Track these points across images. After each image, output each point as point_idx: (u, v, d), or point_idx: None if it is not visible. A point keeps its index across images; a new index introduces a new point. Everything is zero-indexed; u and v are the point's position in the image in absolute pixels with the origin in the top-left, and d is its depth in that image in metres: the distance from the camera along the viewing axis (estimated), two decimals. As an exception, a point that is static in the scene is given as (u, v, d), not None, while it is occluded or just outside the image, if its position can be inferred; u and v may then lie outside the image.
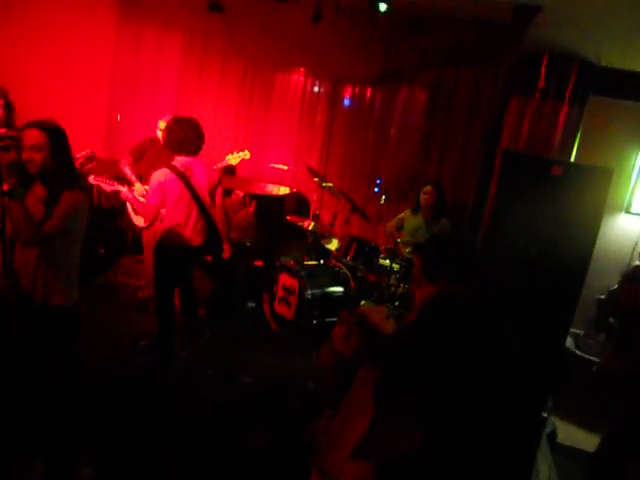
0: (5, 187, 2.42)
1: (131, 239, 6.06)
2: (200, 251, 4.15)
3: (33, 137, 2.51)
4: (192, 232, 3.97)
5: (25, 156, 2.51)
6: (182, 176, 3.86)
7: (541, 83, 4.78)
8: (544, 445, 3.37)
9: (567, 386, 4.04)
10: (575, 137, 4.99)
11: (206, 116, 6.68)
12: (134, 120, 6.54)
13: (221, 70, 6.69)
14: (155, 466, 3.00)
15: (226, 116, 6.74)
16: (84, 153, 4.09)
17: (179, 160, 3.92)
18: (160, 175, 3.84)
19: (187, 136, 3.87)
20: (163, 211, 3.95)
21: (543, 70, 4.91)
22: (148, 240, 5.06)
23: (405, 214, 5.08)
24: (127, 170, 4.90)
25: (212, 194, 4.09)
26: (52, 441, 2.84)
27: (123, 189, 3.91)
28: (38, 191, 2.61)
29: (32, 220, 2.49)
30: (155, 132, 4.87)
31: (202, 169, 4.00)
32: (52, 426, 2.84)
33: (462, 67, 5.56)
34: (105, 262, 5.77)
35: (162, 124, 4.78)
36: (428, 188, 4.83)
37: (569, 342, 4.81)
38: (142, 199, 4.21)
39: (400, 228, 5.11)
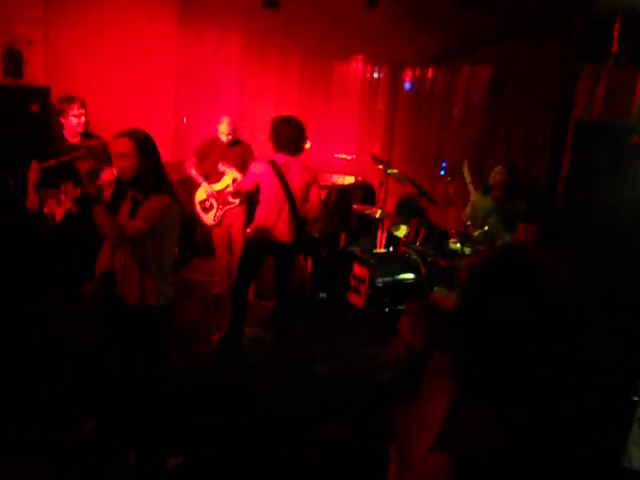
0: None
1: (200, 238, 6.25)
2: (289, 248, 4.21)
3: (121, 146, 2.63)
4: (282, 228, 4.08)
5: (116, 164, 2.64)
6: (278, 172, 3.98)
7: (614, 48, 4.47)
8: (635, 430, 3.19)
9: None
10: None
11: (268, 111, 6.75)
12: (199, 121, 6.70)
13: (280, 65, 6.75)
14: (234, 456, 3.09)
15: (288, 109, 6.75)
16: None
17: (279, 157, 4.03)
18: (258, 166, 4.05)
19: (289, 135, 3.99)
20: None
21: (616, 34, 4.59)
22: (219, 237, 5.20)
23: (474, 197, 4.91)
24: (193, 171, 5.03)
25: (306, 192, 4.16)
26: (144, 432, 2.99)
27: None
28: (129, 197, 2.74)
29: (116, 224, 2.61)
30: (216, 132, 4.96)
31: (299, 168, 4.09)
32: (144, 418, 2.99)
33: (525, 41, 5.31)
34: (180, 261, 5.97)
35: (223, 124, 4.88)
36: (499, 168, 4.64)
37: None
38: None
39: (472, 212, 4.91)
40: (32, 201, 4.08)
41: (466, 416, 1.76)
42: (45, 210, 4.08)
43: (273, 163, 4.00)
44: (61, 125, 4.14)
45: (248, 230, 5.21)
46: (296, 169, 4.06)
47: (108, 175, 2.90)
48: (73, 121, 4.11)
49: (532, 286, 1.77)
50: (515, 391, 1.73)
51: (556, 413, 1.83)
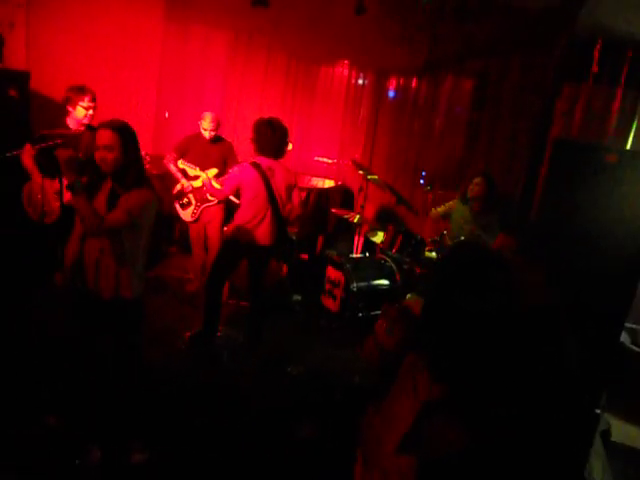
0: (65, 182, 2.55)
1: (178, 233, 6.22)
2: (267, 251, 4.21)
3: (105, 137, 2.61)
4: (263, 232, 4.07)
5: (98, 155, 2.61)
6: (264, 176, 3.95)
7: (595, 68, 4.59)
8: (597, 443, 3.27)
9: (621, 383, 3.89)
10: (631, 124, 4.78)
11: (251, 111, 6.77)
12: (181, 117, 6.67)
13: (266, 65, 6.75)
14: (202, 454, 3.07)
15: (271, 110, 6.78)
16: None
17: (263, 160, 4.00)
18: (243, 170, 3.97)
19: (273, 139, 3.97)
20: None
21: (596, 55, 4.71)
22: (195, 234, 5.17)
23: (453, 203, 4.98)
24: (172, 167, 5.00)
25: (288, 195, 4.19)
26: (109, 427, 2.95)
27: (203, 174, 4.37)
28: (106, 187, 2.72)
29: (95, 212, 2.59)
30: (199, 128, 4.94)
31: (282, 171, 4.09)
32: (111, 413, 2.95)
33: (509, 55, 5.41)
34: (154, 256, 5.92)
35: (206, 120, 4.86)
36: (478, 179, 4.71)
37: (624, 337, 4.64)
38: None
39: (446, 216, 5.01)
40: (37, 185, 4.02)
41: (434, 421, 1.78)
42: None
43: (258, 167, 3.96)
44: (67, 113, 4.10)
45: (225, 229, 5.20)
46: (280, 173, 4.06)
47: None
48: (80, 112, 4.08)
49: (494, 278, 1.80)
50: (484, 390, 1.76)
51: (520, 419, 1.87)
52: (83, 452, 2.83)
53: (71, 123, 4.13)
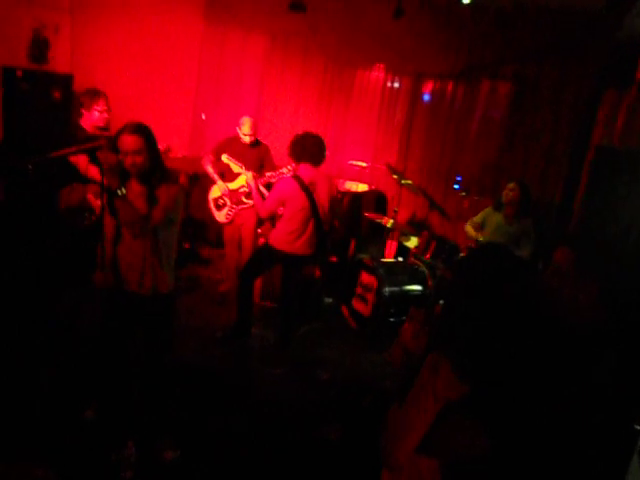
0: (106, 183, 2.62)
1: (213, 234, 6.29)
2: (305, 260, 4.26)
3: (132, 143, 2.65)
4: (304, 243, 4.11)
5: (128, 161, 2.66)
6: (306, 190, 3.98)
7: (638, 75, 4.47)
8: (635, 461, 3.16)
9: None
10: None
11: (287, 114, 6.80)
12: (218, 119, 6.74)
13: (302, 68, 6.77)
14: (229, 454, 3.10)
15: (307, 113, 6.82)
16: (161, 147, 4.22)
17: (304, 171, 4.03)
18: (286, 186, 3.99)
19: (308, 144, 4.00)
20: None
21: (640, 62, 4.60)
22: (229, 235, 5.22)
23: (486, 211, 4.92)
24: (209, 168, 5.05)
25: (331, 207, 4.22)
26: (144, 422, 3.00)
27: (248, 174, 4.33)
28: (135, 188, 2.76)
29: (139, 214, 2.66)
30: (236, 131, 4.98)
31: (325, 183, 4.13)
32: (146, 408, 3.01)
33: (548, 60, 5.32)
34: (189, 256, 6.01)
35: (246, 126, 4.88)
36: (512, 185, 4.64)
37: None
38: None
39: (481, 226, 4.93)
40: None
41: (455, 423, 1.76)
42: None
43: (300, 180, 3.99)
44: (81, 116, 4.18)
45: (259, 230, 5.24)
46: (322, 185, 4.09)
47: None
48: (95, 115, 4.15)
49: (506, 288, 1.78)
50: (505, 396, 1.73)
51: (550, 430, 1.83)
52: (119, 446, 2.88)
53: (86, 125, 4.19)
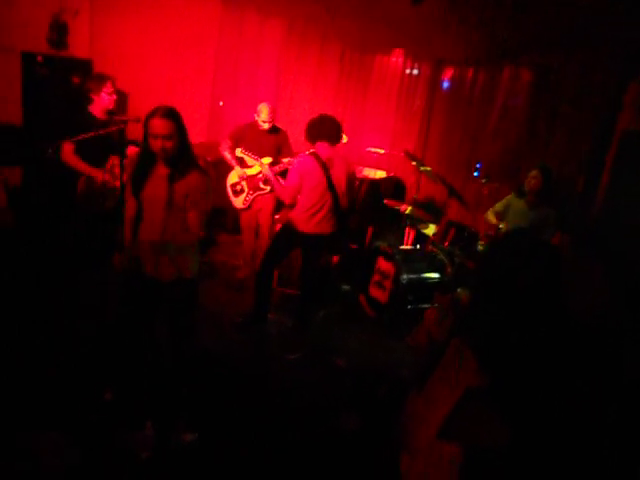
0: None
1: (231, 220, 6.29)
2: (323, 240, 4.21)
3: (163, 126, 2.63)
4: (322, 220, 4.08)
5: (158, 145, 2.65)
6: (324, 166, 3.96)
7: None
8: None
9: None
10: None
11: (304, 100, 6.76)
12: (235, 105, 6.72)
13: (319, 54, 6.73)
14: (245, 441, 3.11)
15: (324, 100, 6.78)
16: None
17: (321, 149, 4.00)
18: (301, 161, 3.97)
19: (324, 124, 3.96)
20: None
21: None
22: (246, 221, 5.22)
23: (508, 199, 4.84)
24: (227, 154, 5.05)
25: (349, 186, 4.21)
26: (163, 404, 3.03)
27: (264, 166, 4.30)
28: (161, 171, 2.77)
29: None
30: (254, 117, 4.96)
31: (342, 162, 4.11)
32: (167, 392, 3.04)
33: (572, 48, 5.20)
34: (206, 242, 6.02)
35: (264, 112, 4.86)
36: (535, 172, 4.57)
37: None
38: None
39: (503, 214, 4.85)
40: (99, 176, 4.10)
41: (476, 411, 1.74)
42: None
43: (317, 157, 3.97)
44: (91, 101, 4.18)
45: (277, 217, 5.22)
46: (339, 164, 4.06)
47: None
48: (105, 99, 4.17)
49: (542, 269, 1.74)
50: (527, 385, 1.71)
51: (567, 421, 1.80)
52: (138, 427, 2.91)
53: (95, 111, 4.18)
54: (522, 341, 1.72)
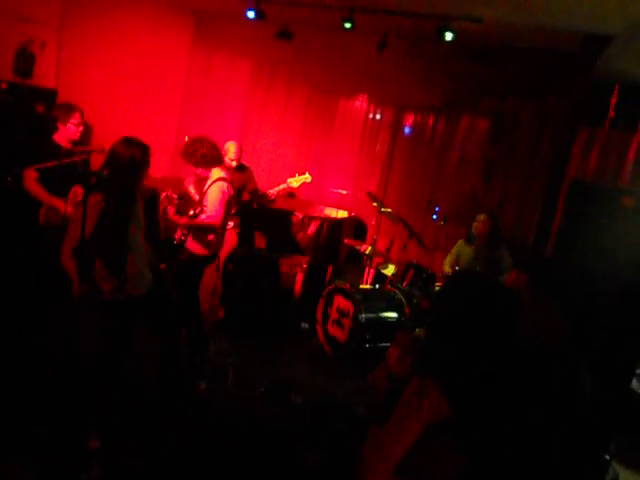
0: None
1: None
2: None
3: None
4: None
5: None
6: (233, 187, 4.00)
7: (611, 113, 4.65)
8: (605, 490, 3.18)
9: (633, 432, 3.80)
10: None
11: (270, 139, 6.87)
12: (201, 141, 6.75)
13: (286, 95, 6.88)
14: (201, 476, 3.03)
15: (289, 140, 6.90)
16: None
17: (221, 173, 3.97)
18: (223, 187, 3.92)
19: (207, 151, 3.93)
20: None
21: (613, 100, 4.79)
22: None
23: (458, 244, 4.99)
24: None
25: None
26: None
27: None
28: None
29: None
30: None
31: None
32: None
33: (526, 97, 5.51)
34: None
35: (231, 149, 4.92)
36: (482, 217, 4.69)
37: (635, 384, 4.57)
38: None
39: (457, 262, 4.98)
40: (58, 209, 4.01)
41: (435, 446, 1.77)
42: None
43: (227, 180, 3.97)
44: (56, 130, 4.13)
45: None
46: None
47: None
48: (71, 129, 4.13)
49: (499, 307, 1.82)
50: (487, 420, 1.75)
51: (525, 455, 1.85)
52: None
53: (60, 140, 4.14)
54: (475, 375, 1.78)
